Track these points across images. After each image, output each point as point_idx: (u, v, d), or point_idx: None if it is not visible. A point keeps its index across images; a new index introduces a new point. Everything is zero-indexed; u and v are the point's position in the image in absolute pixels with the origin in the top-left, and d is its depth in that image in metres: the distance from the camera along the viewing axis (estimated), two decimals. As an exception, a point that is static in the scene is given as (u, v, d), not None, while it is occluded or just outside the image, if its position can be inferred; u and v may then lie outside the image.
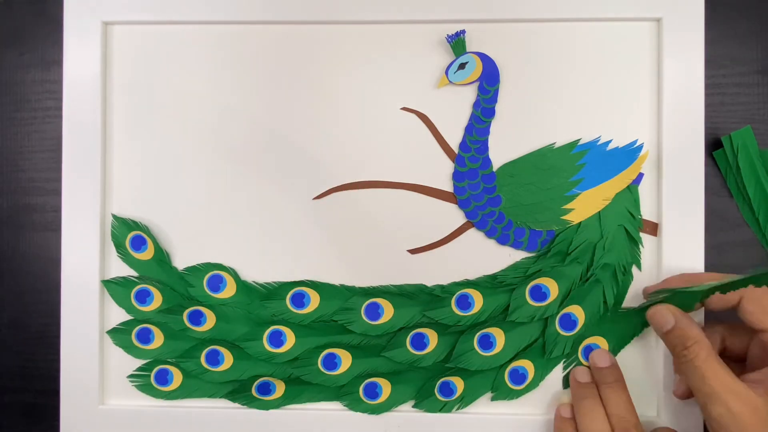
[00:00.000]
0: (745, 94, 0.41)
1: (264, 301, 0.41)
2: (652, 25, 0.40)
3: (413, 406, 0.41)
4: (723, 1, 0.41)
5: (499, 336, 0.40)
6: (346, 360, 0.41)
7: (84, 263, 0.41)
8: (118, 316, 0.41)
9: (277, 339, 0.41)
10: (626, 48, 0.40)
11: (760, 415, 0.30)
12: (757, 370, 0.33)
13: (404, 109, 0.40)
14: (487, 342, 0.40)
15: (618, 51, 0.40)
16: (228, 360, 0.41)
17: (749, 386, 0.31)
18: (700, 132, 0.39)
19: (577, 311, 0.39)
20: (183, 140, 0.41)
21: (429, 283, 0.40)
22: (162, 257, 0.41)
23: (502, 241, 0.40)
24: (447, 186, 0.41)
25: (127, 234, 0.41)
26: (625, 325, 0.39)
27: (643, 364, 0.40)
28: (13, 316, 0.44)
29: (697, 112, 0.39)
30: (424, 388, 0.40)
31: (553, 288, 0.40)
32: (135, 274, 0.41)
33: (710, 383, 0.31)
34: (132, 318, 0.41)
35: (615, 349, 0.40)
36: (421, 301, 0.40)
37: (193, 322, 0.41)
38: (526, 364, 0.40)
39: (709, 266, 0.39)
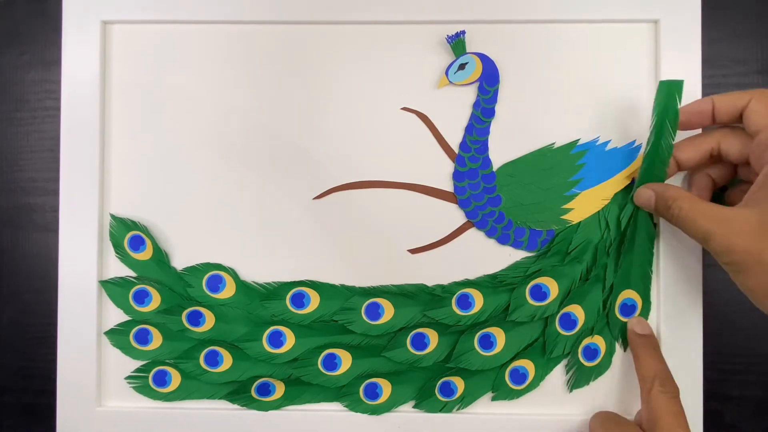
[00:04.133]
0: (744, 93, 0.41)
1: (264, 301, 0.41)
2: (649, 27, 0.40)
3: (413, 407, 0.41)
4: (722, 1, 0.41)
5: (499, 336, 0.40)
6: (346, 360, 0.40)
7: (82, 263, 0.41)
8: (116, 316, 0.41)
9: (276, 339, 0.40)
10: (625, 49, 0.40)
11: (753, 228, 0.31)
12: (751, 180, 0.35)
13: (404, 109, 0.41)
14: (487, 342, 0.40)
15: (617, 52, 0.40)
16: (227, 361, 0.41)
17: (748, 202, 0.33)
18: (698, 132, 0.39)
19: (577, 311, 0.40)
20: (182, 140, 0.41)
21: (429, 283, 0.40)
22: (161, 257, 0.41)
23: (502, 240, 0.40)
24: (447, 186, 0.41)
25: (126, 234, 0.41)
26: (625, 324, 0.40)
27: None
28: (11, 316, 0.43)
29: (695, 112, 0.39)
30: (425, 388, 0.40)
31: (553, 287, 0.40)
32: (133, 274, 0.41)
33: (699, 223, 0.33)
34: (130, 319, 0.41)
35: (611, 347, 0.40)
36: (422, 300, 0.40)
37: (192, 323, 0.41)
38: (527, 364, 0.40)
39: (708, 264, 0.39)
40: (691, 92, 0.39)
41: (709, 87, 0.40)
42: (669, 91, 0.35)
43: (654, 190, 0.37)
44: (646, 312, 0.39)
